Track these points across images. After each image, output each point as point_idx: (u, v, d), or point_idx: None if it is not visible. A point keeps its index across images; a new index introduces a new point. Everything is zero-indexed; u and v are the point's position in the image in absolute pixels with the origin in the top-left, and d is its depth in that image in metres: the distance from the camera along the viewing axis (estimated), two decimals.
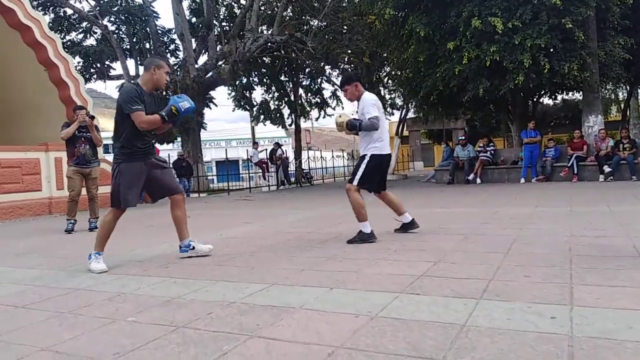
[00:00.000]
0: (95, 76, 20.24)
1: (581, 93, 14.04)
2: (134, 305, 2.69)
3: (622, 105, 23.56)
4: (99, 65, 19.90)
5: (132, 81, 17.79)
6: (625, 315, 2.07)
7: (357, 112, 4.59)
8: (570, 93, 17.79)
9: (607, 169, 11.01)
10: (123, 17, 19.31)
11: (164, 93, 21.50)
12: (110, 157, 14.24)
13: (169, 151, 20.45)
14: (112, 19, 19.52)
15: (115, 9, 19.23)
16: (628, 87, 20.17)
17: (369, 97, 4.45)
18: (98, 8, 18.51)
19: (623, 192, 8.05)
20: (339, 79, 4.56)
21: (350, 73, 5.02)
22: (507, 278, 2.80)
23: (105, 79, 20.34)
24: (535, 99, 16.59)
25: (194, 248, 4.09)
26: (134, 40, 19.87)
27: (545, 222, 5.10)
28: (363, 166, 4.40)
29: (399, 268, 3.23)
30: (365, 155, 4.43)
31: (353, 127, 4.39)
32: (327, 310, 2.38)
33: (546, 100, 19.97)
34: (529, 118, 14.22)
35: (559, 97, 20.10)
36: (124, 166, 3.76)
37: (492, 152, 13.42)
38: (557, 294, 2.43)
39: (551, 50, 11.43)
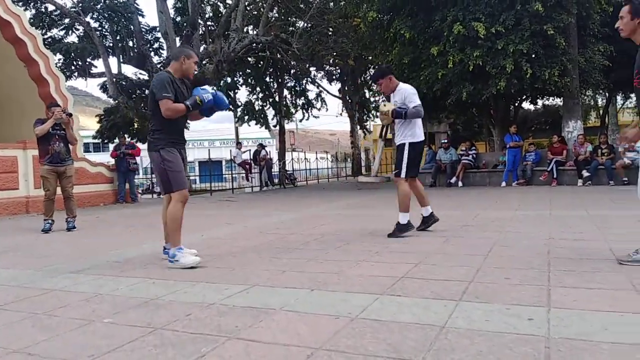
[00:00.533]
0: (76, 74, 19.91)
1: (561, 99, 14.28)
2: (111, 307, 2.64)
3: (601, 112, 24.04)
4: (80, 62, 19.58)
5: (114, 78, 17.65)
6: (601, 317, 2.10)
7: (395, 102, 4.67)
8: (551, 98, 18.10)
9: (585, 173, 11.22)
10: (106, 14, 19.04)
11: (147, 92, 21.32)
12: (91, 156, 13.90)
13: None
14: (94, 15, 19.23)
15: (99, 5, 18.95)
16: (607, 94, 20.60)
17: (407, 87, 4.65)
18: (80, 4, 18.22)
19: (601, 197, 8.20)
20: (373, 72, 4.70)
21: (384, 67, 5.17)
22: (486, 280, 2.82)
23: (86, 76, 20.03)
24: (516, 104, 16.83)
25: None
26: (117, 37, 19.60)
27: (525, 225, 5.16)
28: (405, 156, 4.54)
29: (380, 269, 3.24)
30: (404, 143, 4.57)
31: (399, 115, 4.51)
32: (308, 311, 2.37)
33: (527, 105, 20.30)
34: (511, 123, 14.42)
35: (540, 103, 20.43)
36: (164, 152, 3.74)
37: (474, 155, 13.56)
38: (535, 296, 2.46)
39: (533, 55, 11.61)
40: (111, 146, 14.40)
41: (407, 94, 4.58)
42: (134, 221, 7.69)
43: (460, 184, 12.91)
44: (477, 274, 2.97)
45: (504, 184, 12.30)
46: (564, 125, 13.24)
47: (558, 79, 11.63)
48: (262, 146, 17.71)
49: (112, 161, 12.74)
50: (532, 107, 23.30)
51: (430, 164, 14.47)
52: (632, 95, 22.04)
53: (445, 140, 14.40)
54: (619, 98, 24.32)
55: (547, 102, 22.44)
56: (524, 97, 15.59)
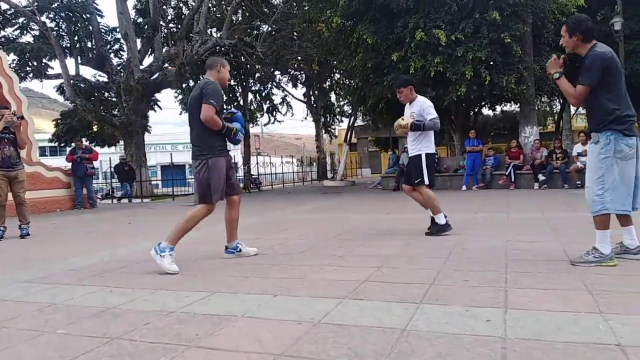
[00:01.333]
0: (31, 75, 19.13)
1: (518, 105, 14.77)
2: (65, 317, 2.54)
3: (556, 118, 24.98)
4: (35, 63, 18.85)
5: (71, 80, 17.09)
6: (555, 317, 2.18)
7: (412, 114, 4.90)
8: (509, 105, 18.68)
9: (541, 177, 11.62)
10: (63, 14, 18.40)
11: (106, 94, 20.76)
12: (47, 161, 13.32)
13: (110, 154, 19.66)
14: (51, 15, 18.54)
15: (55, 5, 18.29)
16: (561, 101, 21.42)
17: (425, 100, 4.91)
18: (36, 3, 17.55)
19: (555, 200, 8.51)
20: (397, 80, 4.96)
21: (407, 77, 5.43)
22: (446, 282, 2.88)
23: (42, 77, 19.28)
24: (476, 110, 17.30)
25: (240, 250, 4.12)
26: (75, 38, 18.99)
27: (484, 228, 5.30)
28: (424, 165, 4.77)
29: (343, 274, 3.25)
30: (420, 154, 4.81)
31: (418, 127, 4.72)
32: (270, 317, 2.36)
33: (487, 111, 20.89)
34: (471, 128, 14.80)
35: (498, 109, 21.07)
36: (213, 161, 3.78)
37: (436, 160, 13.81)
38: (492, 297, 2.52)
39: (491, 63, 11.97)
40: (68, 150, 13.84)
41: (424, 106, 4.81)
42: (92, 227, 7.45)
43: None
44: (437, 277, 3.02)
45: (464, 187, 12.60)
46: (521, 131, 13.69)
47: (515, 86, 12.04)
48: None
49: (69, 165, 12.30)
50: (491, 113, 23.99)
51: (394, 167, 14.68)
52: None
53: (407, 145, 14.63)
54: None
55: (505, 108, 23.15)
56: (483, 103, 16.05)
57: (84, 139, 23.05)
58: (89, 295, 2.99)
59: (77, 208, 11.67)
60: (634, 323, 2.05)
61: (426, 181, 4.78)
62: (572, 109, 26.96)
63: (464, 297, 2.55)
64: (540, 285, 2.73)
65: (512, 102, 16.17)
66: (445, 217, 4.88)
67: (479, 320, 2.17)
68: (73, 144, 13.21)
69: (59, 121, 22.82)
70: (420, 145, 4.85)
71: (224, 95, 20.89)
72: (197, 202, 3.93)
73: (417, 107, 4.86)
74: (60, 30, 18.95)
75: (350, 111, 22.96)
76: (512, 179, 12.05)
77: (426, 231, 4.89)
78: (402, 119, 4.84)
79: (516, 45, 11.76)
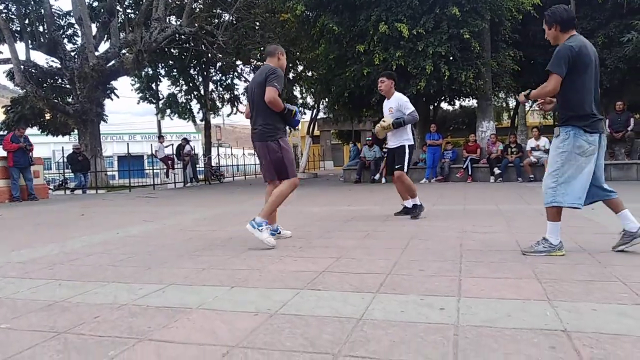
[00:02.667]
0: None
1: (476, 100, 15.14)
2: (10, 311, 2.42)
3: (512, 113, 25.79)
4: None
5: (21, 66, 16.26)
6: (506, 304, 2.24)
7: (390, 109, 5.38)
8: (467, 100, 19.14)
9: (497, 170, 11.98)
10: None
11: (59, 81, 19.90)
12: None
13: (63, 144, 18.92)
14: None
15: None
16: (517, 96, 22.10)
17: (401, 95, 5.35)
18: None
19: (510, 192, 8.79)
20: (384, 72, 5.34)
21: (392, 72, 6.02)
22: (403, 272, 2.92)
23: None
24: (436, 104, 17.61)
25: (279, 232, 4.35)
26: (26, 22, 18.08)
27: (440, 219, 5.41)
28: (407, 155, 5.28)
29: (302, 265, 3.24)
30: (403, 145, 5.30)
31: (399, 124, 5.15)
32: (226, 309, 2.32)
33: (446, 106, 21.31)
34: (431, 122, 15.07)
35: (457, 103, 21.54)
36: (283, 142, 4.06)
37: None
38: (447, 286, 2.57)
39: (450, 58, 12.18)
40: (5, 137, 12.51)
41: (401, 101, 5.26)
42: (42, 219, 7.15)
43: (383, 180, 13.30)
44: (394, 267, 3.06)
45: (425, 180, 12.84)
46: (478, 125, 14.05)
47: (473, 81, 12.32)
48: (186, 141, 17.15)
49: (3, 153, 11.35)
50: (450, 107, 24.52)
51: (355, 160, 14.78)
52: (539, 99, 23.88)
53: (370, 138, 14.76)
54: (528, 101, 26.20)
55: (464, 103, 23.71)
56: (443, 97, 16.35)
57: (35, 128, 22.13)
58: (36, 288, 2.87)
59: (15, 200, 11.02)
60: (579, 310, 2.14)
61: (405, 169, 5.31)
62: (527, 106, 27.92)
63: (420, 286, 2.59)
64: (493, 274, 2.81)
65: (470, 97, 16.56)
66: (415, 207, 5.52)
67: (433, 308, 2.21)
68: (12, 132, 12.19)
69: (8, 109, 21.73)
70: (402, 138, 5.32)
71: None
72: (270, 180, 4.22)
73: (395, 102, 5.29)
74: (10, 13, 18.00)
75: (312, 103, 22.92)
76: (469, 172, 12.37)
77: (408, 216, 5.48)
78: (383, 121, 5.22)
79: (475, 41, 12.02)
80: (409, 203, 5.56)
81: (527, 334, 1.87)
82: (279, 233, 4.35)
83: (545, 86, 3.23)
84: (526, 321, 2.01)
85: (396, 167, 5.34)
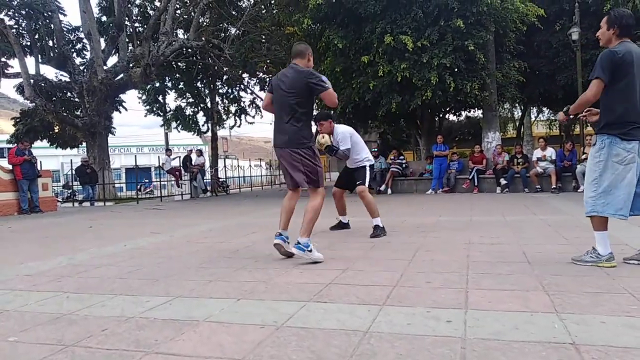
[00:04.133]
0: None
1: (481, 111, 15.15)
2: (18, 324, 2.44)
3: (517, 124, 25.75)
4: None
5: (30, 80, 16.48)
6: (513, 317, 2.23)
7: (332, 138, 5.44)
8: (473, 110, 19.15)
9: (503, 181, 11.94)
10: (24, 12, 17.75)
11: (68, 94, 20.14)
12: (3, 162, 12.62)
13: (72, 156, 19.07)
14: (10, 13, 17.85)
15: (15, 2, 17.63)
16: (522, 107, 22.11)
17: (344, 130, 5.45)
18: None
19: (516, 203, 8.75)
20: (318, 114, 5.47)
21: (326, 112, 5.94)
22: (409, 284, 2.91)
23: (0, 76, 18.55)
24: (441, 115, 17.63)
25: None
26: (36, 36, 18.35)
27: (447, 230, 5.39)
28: (368, 173, 5.40)
29: (308, 277, 3.24)
30: (365, 166, 5.43)
31: (331, 151, 5.25)
32: (233, 322, 2.32)
33: (451, 117, 21.33)
34: (437, 133, 15.07)
35: (463, 114, 21.56)
36: (315, 149, 3.93)
37: (406, 164, 14.00)
38: (454, 299, 2.56)
39: (455, 69, 12.23)
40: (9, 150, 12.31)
41: (342, 136, 5.36)
42: (51, 231, 7.20)
43: (389, 191, 13.29)
44: (400, 279, 3.05)
45: (431, 191, 12.81)
46: (484, 136, 14.04)
47: (478, 92, 12.35)
48: (200, 152, 17.22)
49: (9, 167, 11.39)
50: (456, 118, 24.54)
51: None
52: (545, 109, 23.89)
53: (376, 149, 14.78)
54: (533, 111, 26.22)
55: (469, 114, 23.72)
56: (448, 108, 16.39)
57: (44, 140, 22.35)
58: (44, 301, 2.88)
59: (24, 213, 11.08)
60: (588, 322, 2.12)
61: (366, 184, 5.34)
62: (532, 116, 27.87)
63: (426, 298, 2.59)
64: (500, 286, 2.80)
65: (476, 108, 16.57)
66: (347, 224, 5.70)
67: (440, 321, 2.20)
68: (16, 145, 12.28)
69: (18, 121, 21.99)
70: (363, 159, 5.45)
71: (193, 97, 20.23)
72: (292, 186, 4.02)
73: (337, 136, 5.39)
74: (20, 28, 18.29)
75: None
76: (476, 183, 12.33)
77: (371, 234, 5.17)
78: (322, 137, 5.24)
79: (479, 52, 12.06)
80: (345, 219, 5.73)
81: (535, 347, 1.86)
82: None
83: (584, 94, 3.16)
84: (534, 334, 2.00)
85: (357, 182, 5.37)
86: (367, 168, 5.46)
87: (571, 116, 3.40)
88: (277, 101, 3.93)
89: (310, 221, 3.79)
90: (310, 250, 3.69)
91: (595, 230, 3.22)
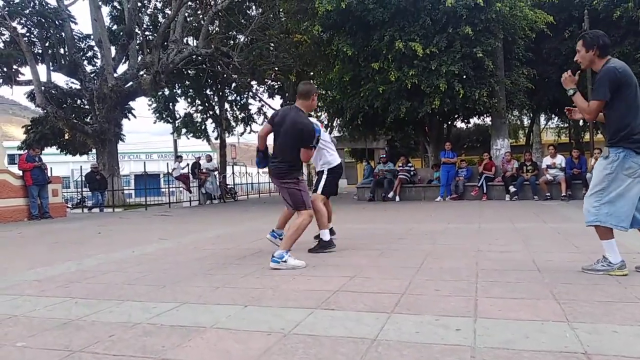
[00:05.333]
0: (1, 81, 18.65)
1: (490, 118, 15.08)
2: (26, 329, 2.45)
3: (526, 131, 25.62)
4: (5, 69, 18.37)
5: (42, 87, 16.65)
6: (523, 325, 2.20)
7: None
8: (481, 118, 19.08)
9: (512, 189, 11.85)
10: (35, 20, 18.00)
11: (79, 102, 20.36)
12: (14, 168, 12.76)
13: (82, 163, 19.24)
14: (22, 21, 18.10)
15: (27, 11, 17.88)
16: (531, 115, 21.98)
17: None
18: (7, 9, 17.13)
19: (525, 210, 8.67)
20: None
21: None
22: (418, 292, 2.88)
23: (12, 84, 18.79)
24: (450, 123, 17.57)
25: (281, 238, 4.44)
26: (47, 44, 18.59)
27: (456, 238, 5.35)
28: (324, 180, 5.06)
29: (316, 284, 3.22)
30: (323, 171, 5.13)
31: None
32: (240, 328, 2.31)
33: (460, 124, 21.26)
34: (445, 140, 15.01)
35: (472, 122, 21.48)
36: (301, 178, 4.22)
37: (414, 171, 13.95)
38: (463, 307, 2.53)
39: (464, 76, 12.20)
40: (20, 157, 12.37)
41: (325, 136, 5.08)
42: (60, 237, 7.25)
43: (397, 198, 13.23)
44: (409, 286, 3.03)
45: (439, 198, 12.74)
46: (493, 143, 13.97)
47: (487, 99, 12.30)
48: (209, 158, 17.28)
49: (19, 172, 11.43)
50: (464, 125, 24.45)
51: (369, 178, 14.74)
52: (554, 116, 23.73)
53: (384, 155, 14.75)
54: (542, 119, 26.07)
55: (478, 122, 23.63)
56: (457, 116, 16.34)
57: (54, 147, 22.58)
58: (52, 306, 2.89)
59: (34, 219, 11.17)
60: (600, 331, 2.09)
61: (319, 191, 5.02)
62: (542, 123, 27.73)
63: (435, 306, 2.56)
64: (510, 295, 2.76)
65: (485, 115, 16.51)
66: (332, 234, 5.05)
67: (449, 329, 2.18)
68: (26, 151, 12.40)
69: (29, 128, 22.25)
70: (322, 162, 5.15)
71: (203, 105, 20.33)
72: (293, 208, 4.33)
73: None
74: (32, 36, 18.54)
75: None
76: (484, 191, 12.24)
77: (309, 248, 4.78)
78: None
79: (488, 59, 12.03)
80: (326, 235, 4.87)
81: (546, 357, 1.83)
82: (281, 239, 4.43)
83: (584, 108, 3.22)
84: (545, 343, 1.97)
85: (313, 189, 5.09)
86: (325, 173, 5.09)
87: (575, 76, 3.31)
88: (276, 136, 4.26)
89: (290, 237, 3.99)
90: (285, 261, 3.83)
91: (602, 240, 3.21)
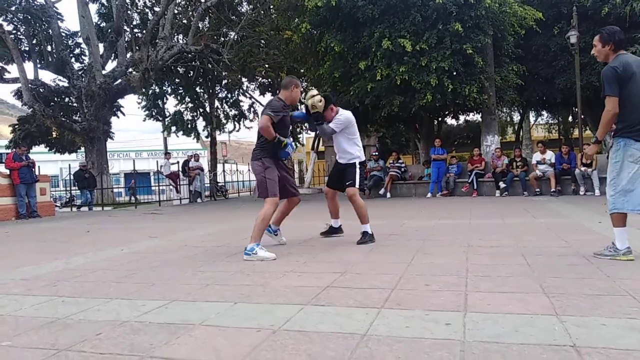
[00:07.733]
0: None
1: (480, 115, 15.15)
2: (12, 328, 2.41)
3: (516, 127, 25.78)
4: None
5: (29, 84, 16.47)
6: (512, 319, 2.20)
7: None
8: (472, 114, 19.15)
9: (502, 184, 11.91)
10: (21, 17, 17.77)
11: (67, 99, 20.13)
12: (0, 167, 12.59)
13: (70, 161, 19.06)
14: (8, 18, 17.86)
15: (13, 8, 17.64)
16: (521, 111, 22.12)
17: (347, 115, 5.02)
18: None
19: (515, 206, 8.73)
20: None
21: (327, 94, 5.30)
22: (408, 287, 2.88)
23: None
24: (440, 119, 17.63)
25: (277, 234, 4.90)
26: (34, 42, 18.37)
27: (446, 233, 5.36)
28: (358, 172, 5.01)
29: (306, 280, 3.21)
30: (355, 163, 5.00)
31: (316, 119, 4.90)
32: (229, 325, 2.29)
33: (450, 121, 21.33)
34: (436, 137, 15.06)
35: (462, 118, 21.56)
36: (268, 161, 4.30)
37: (405, 168, 13.97)
38: (453, 301, 2.53)
39: (454, 73, 12.23)
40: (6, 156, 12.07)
41: (339, 120, 4.95)
42: (48, 236, 7.17)
43: (388, 195, 13.25)
44: (399, 282, 3.03)
45: (429, 195, 12.78)
46: (483, 140, 14.03)
47: (477, 95, 12.35)
48: (190, 157, 17.19)
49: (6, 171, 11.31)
50: (455, 122, 24.52)
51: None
52: (544, 112, 23.91)
53: (376, 153, 14.76)
54: (531, 115, 26.25)
55: (468, 118, 23.74)
56: (447, 112, 16.39)
57: (42, 145, 22.34)
58: (39, 305, 2.85)
59: (22, 218, 11.02)
60: (588, 325, 2.10)
61: (356, 185, 5.00)
62: (531, 119, 27.91)
63: (425, 301, 2.56)
64: (499, 289, 2.77)
65: (475, 112, 16.58)
66: (340, 228, 5.46)
67: (438, 324, 2.17)
68: (14, 150, 12.23)
69: (16, 127, 22.00)
70: (353, 155, 5.02)
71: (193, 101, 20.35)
72: (262, 196, 4.37)
73: (339, 117, 5.00)
74: (19, 33, 18.31)
75: None
76: (475, 187, 12.30)
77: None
78: (318, 98, 4.83)
79: (478, 56, 12.08)
80: (336, 222, 5.39)
81: (535, 350, 1.83)
82: (276, 235, 4.87)
83: (605, 113, 3.39)
84: (534, 336, 1.97)
85: (347, 183, 4.95)
86: (357, 166, 4.99)
87: (600, 143, 3.65)
88: None
89: (257, 228, 4.18)
90: (256, 253, 4.04)
91: (614, 227, 3.45)
